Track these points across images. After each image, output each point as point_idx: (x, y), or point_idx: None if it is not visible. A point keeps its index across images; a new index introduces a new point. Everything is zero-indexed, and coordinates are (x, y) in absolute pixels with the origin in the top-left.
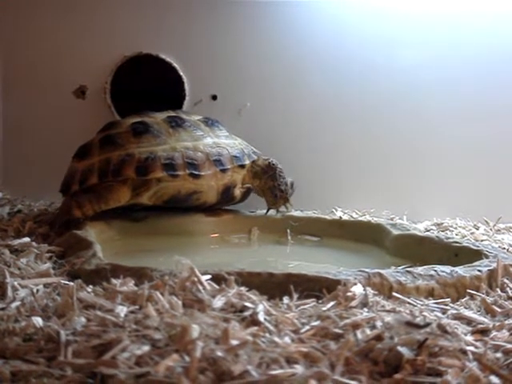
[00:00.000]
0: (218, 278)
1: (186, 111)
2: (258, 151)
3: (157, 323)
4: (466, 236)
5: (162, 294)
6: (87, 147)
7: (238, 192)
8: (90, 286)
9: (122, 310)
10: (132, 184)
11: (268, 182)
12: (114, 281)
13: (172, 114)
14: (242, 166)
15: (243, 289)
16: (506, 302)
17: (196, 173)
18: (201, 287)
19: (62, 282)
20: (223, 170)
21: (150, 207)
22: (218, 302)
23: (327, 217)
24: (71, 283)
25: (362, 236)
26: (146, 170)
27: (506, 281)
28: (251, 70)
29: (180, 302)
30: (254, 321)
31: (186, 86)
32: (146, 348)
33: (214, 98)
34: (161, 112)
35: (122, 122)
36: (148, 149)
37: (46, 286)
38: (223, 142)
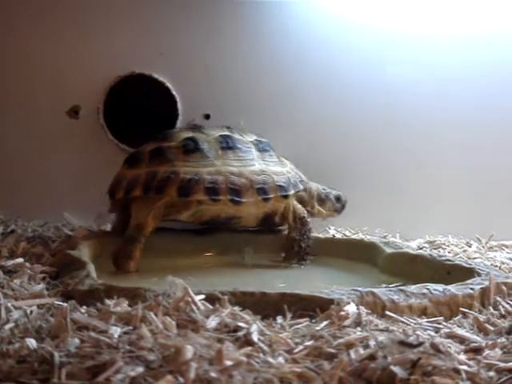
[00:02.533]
0: (211, 298)
1: (241, 129)
2: (305, 179)
3: (151, 344)
4: (458, 254)
5: (156, 315)
6: (138, 156)
7: (278, 219)
8: (84, 307)
9: (116, 331)
10: (172, 201)
11: (292, 232)
12: (107, 301)
13: (225, 132)
14: (286, 196)
15: (237, 309)
16: (499, 320)
17: (237, 199)
18: (194, 307)
19: (56, 302)
20: (265, 199)
21: None
22: (212, 322)
23: (320, 235)
24: (65, 304)
25: (355, 254)
26: (188, 192)
27: (498, 299)
28: (245, 88)
29: (174, 323)
30: (247, 341)
31: (179, 106)
32: (140, 369)
33: (207, 117)
34: (215, 127)
35: (174, 135)
36: (194, 169)
37: (39, 307)
38: (270, 169)
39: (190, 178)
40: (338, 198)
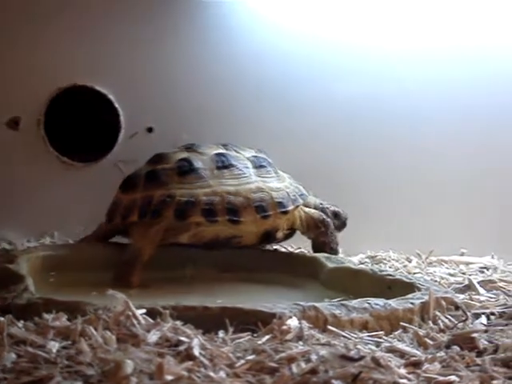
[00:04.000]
0: (153, 312)
1: (237, 146)
2: (305, 193)
3: (90, 359)
4: (399, 269)
5: (96, 329)
6: (133, 180)
7: (280, 234)
8: (22, 321)
9: (54, 346)
10: (169, 224)
11: (320, 237)
12: (46, 316)
13: (220, 150)
14: (285, 212)
15: (178, 323)
16: (438, 335)
17: (235, 219)
18: (135, 321)
19: None
20: (264, 217)
21: None
22: (153, 337)
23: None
24: (1, 318)
25: (297, 269)
26: (184, 214)
27: (437, 313)
28: (189, 101)
29: (114, 337)
30: (189, 355)
31: (122, 118)
32: None
33: (150, 130)
34: (210, 145)
35: (169, 157)
36: (190, 191)
37: None
38: (268, 185)
39: (186, 200)
40: (335, 215)
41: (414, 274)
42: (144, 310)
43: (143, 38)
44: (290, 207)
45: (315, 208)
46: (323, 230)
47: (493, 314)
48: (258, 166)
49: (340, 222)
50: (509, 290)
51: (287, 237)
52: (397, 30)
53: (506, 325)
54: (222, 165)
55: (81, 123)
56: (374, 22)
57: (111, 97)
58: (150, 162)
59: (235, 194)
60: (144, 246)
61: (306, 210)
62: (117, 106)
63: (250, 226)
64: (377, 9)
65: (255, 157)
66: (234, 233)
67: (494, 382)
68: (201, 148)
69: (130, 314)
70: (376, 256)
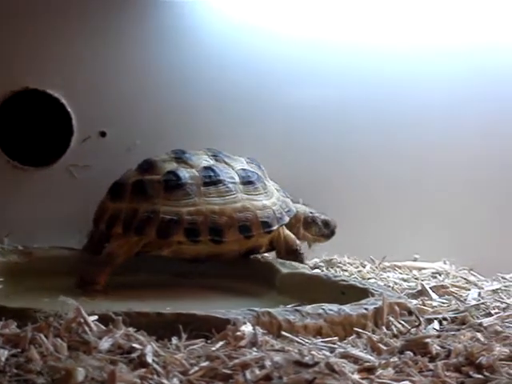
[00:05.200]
0: (105, 319)
1: (228, 155)
2: (293, 208)
3: (40, 367)
4: (353, 274)
5: (46, 337)
6: (120, 187)
7: (263, 250)
8: None
9: (3, 354)
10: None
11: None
12: None
13: (211, 161)
14: (269, 232)
15: (131, 329)
16: (392, 340)
17: (218, 239)
18: (87, 328)
19: None
20: (247, 237)
21: None
22: (105, 344)
23: None
24: None
25: (251, 275)
26: (167, 233)
27: (391, 319)
28: (142, 105)
29: (65, 345)
30: (141, 362)
31: (74, 122)
32: None
33: (103, 134)
34: (201, 153)
35: (158, 166)
36: (174, 208)
37: None
38: (254, 204)
39: (170, 218)
40: (325, 223)
41: (368, 279)
42: (96, 317)
43: (98, 42)
44: (275, 226)
45: (305, 218)
46: (291, 258)
47: (445, 319)
48: (246, 182)
49: (329, 230)
50: (460, 296)
51: (269, 251)
52: (378, 25)
53: (458, 330)
54: (210, 180)
55: (33, 127)
56: (349, 17)
57: (64, 101)
58: (138, 170)
59: (220, 214)
60: (119, 255)
61: (286, 232)
62: (69, 109)
63: (233, 245)
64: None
65: (244, 170)
66: (215, 251)
67: None
68: (190, 159)
69: (82, 320)
70: (331, 260)
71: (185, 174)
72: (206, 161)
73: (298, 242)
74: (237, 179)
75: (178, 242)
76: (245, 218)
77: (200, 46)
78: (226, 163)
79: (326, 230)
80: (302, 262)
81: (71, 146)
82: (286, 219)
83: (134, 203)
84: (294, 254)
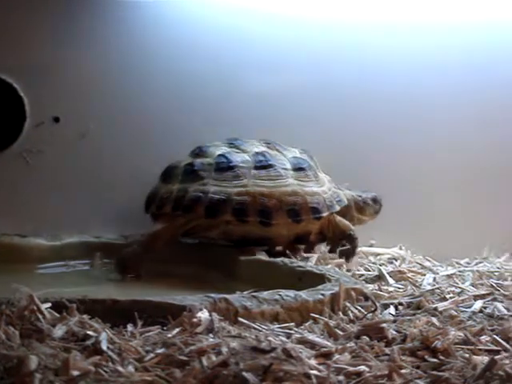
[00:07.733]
0: (58, 306)
1: (281, 145)
2: (344, 199)
3: None
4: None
5: None
6: (173, 170)
7: (313, 237)
8: None
9: None
10: (200, 219)
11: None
12: None
13: (262, 148)
14: (318, 218)
15: (85, 317)
16: (348, 325)
17: (266, 221)
18: (40, 316)
19: None
20: (296, 221)
21: None
22: (59, 331)
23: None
24: None
25: (207, 260)
26: (215, 212)
27: (347, 304)
28: (96, 89)
29: (17, 333)
30: (96, 350)
31: (27, 108)
32: None
33: (57, 119)
34: (254, 141)
35: (209, 151)
36: (224, 189)
37: None
38: (304, 189)
39: (219, 198)
40: (374, 200)
41: (325, 265)
42: (49, 304)
43: (53, 26)
44: (325, 213)
45: (355, 202)
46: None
47: (401, 304)
48: (297, 169)
49: (379, 204)
50: (416, 281)
51: (321, 240)
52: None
53: (414, 314)
54: (261, 165)
55: None
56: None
57: (16, 86)
58: (191, 154)
59: (269, 196)
60: (161, 235)
61: (338, 219)
62: (22, 94)
63: (281, 228)
64: None
65: (296, 158)
66: (263, 234)
67: (403, 371)
68: (243, 145)
69: (35, 308)
70: None
71: (236, 157)
72: (257, 147)
73: (352, 227)
74: (288, 166)
75: (226, 222)
76: (294, 202)
77: (152, 24)
78: (278, 151)
79: (377, 206)
80: (355, 247)
81: (24, 131)
82: (337, 208)
83: (184, 184)
84: (349, 239)
